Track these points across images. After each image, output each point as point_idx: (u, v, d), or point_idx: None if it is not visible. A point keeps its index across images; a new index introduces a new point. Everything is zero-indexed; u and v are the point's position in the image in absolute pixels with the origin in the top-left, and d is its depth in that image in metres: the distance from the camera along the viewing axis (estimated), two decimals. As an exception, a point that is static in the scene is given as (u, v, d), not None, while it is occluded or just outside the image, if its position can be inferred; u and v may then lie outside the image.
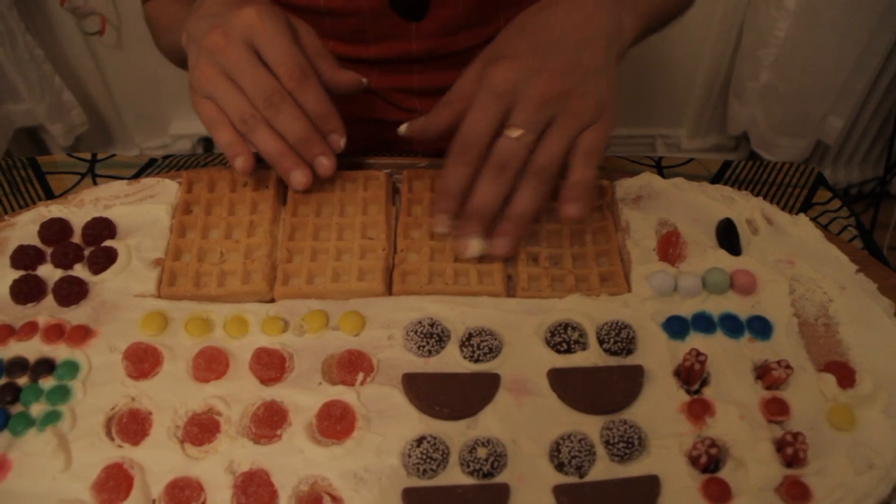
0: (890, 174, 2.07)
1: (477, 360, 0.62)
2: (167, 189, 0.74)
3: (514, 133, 0.63)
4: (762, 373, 0.61)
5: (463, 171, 0.64)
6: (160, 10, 0.93)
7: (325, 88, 0.70)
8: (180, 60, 0.87)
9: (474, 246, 0.66)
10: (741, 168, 0.87)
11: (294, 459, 0.57)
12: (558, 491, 0.55)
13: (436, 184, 0.68)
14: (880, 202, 2.06)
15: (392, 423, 0.58)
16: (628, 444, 0.56)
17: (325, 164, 0.69)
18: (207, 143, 2.18)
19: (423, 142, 0.69)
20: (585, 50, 0.65)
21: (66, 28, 1.86)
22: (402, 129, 0.70)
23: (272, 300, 0.67)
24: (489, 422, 0.58)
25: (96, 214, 0.71)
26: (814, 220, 0.75)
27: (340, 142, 0.70)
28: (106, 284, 0.67)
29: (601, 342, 0.63)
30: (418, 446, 0.56)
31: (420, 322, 0.63)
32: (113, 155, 0.86)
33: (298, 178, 0.68)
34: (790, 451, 0.56)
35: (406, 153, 0.81)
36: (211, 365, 0.61)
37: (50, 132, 1.94)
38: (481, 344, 0.62)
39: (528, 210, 0.65)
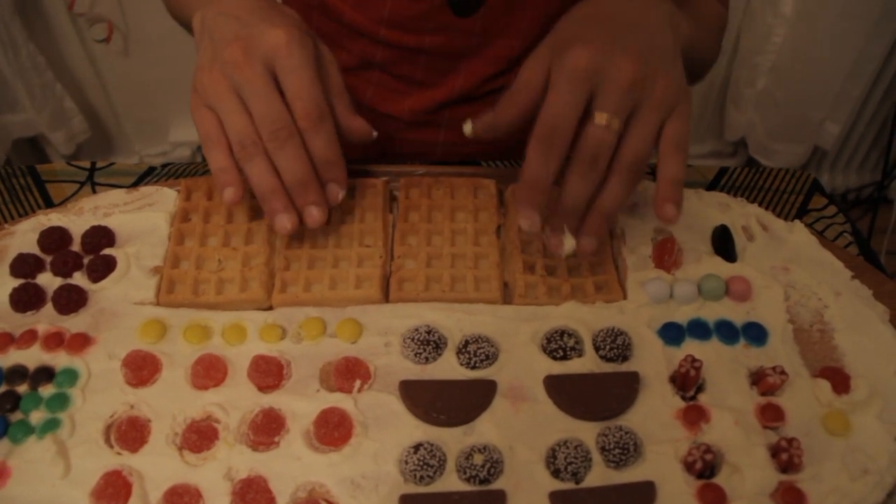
0: (887, 179, 2.08)
1: (474, 367, 0.62)
2: (166, 197, 0.74)
3: (603, 119, 0.60)
4: (757, 379, 0.61)
5: (549, 163, 0.61)
6: None
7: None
8: (180, 20, 0.85)
9: (569, 244, 0.63)
10: (737, 174, 0.87)
11: (292, 466, 0.57)
12: (554, 497, 0.55)
13: (520, 173, 0.63)
14: (878, 207, 2.07)
15: (389, 430, 0.59)
16: (624, 451, 0.56)
17: (316, 215, 0.65)
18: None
19: (491, 140, 0.66)
20: (658, 34, 0.63)
21: (67, 36, 1.87)
22: (466, 128, 0.66)
23: (270, 308, 0.67)
24: (486, 428, 0.59)
25: (95, 223, 0.71)
26: (809, 226, 0.75)
27: (339, 194, 0.67)
28: (105, 292, 0.67)
29: (597, 349, 0.63)
30: (415, 453, 0.56)
31: (417, 329, 0.63)
32: (112, 163, 0.87)
33: (283, 222, 0.64)
34: (785, 456, 0.56)
35: (404, 160, 0.81)
36: (209, 372, 0.62)
37: (51, 141, 1.95)
38: (478, 351, 0.62)
39: (617, 205, 0.63)
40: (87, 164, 0.86)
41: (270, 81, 0.63)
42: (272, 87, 0.63)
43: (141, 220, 0.72)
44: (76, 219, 0.73)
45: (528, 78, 0.63)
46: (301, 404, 0.60)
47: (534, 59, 0.64)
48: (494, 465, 0.56)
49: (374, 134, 0.70)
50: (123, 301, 0.67)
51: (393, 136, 0.98)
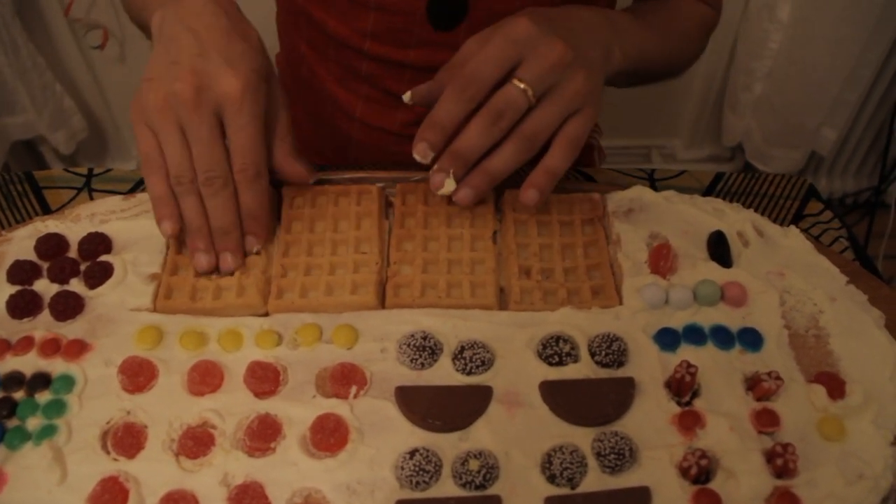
0: (884, 184, 2.08)
1: (469, 373, 0.62)
2: (162, 204, 0.74)
3: (521, 84, 0.63)
4: (752, 384, 0.62)
5: (458, 107, 0.64)
6: None
7: (274, 173, 0.70)
8: (138, 22, 0.84)
9: (449, 185, 0.66)
10: (733, 180, 0.88)
11: (288, 472, 0.57)
12: (550, 502, 0.55)
13: (429, 113, 0.67)
14: (875, 212, 2.07)
15: (385, 436, 0.59)
16: (619, 456, 0.57)
17: (230, 262, 0.68)
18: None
19: (428, 108, 0.68)
20: (589, 47, 0.67)
21: (66, 40, 1.88)
22: (406, 97, 0.70)
23: (266, 314, 0.67)
24: (481, 434, 0.59)
25: (92, 229, 0.72)
26: (805, 231, 0.76)
27: (255, 247, 0.69)
28: (102, 299, 0.67)
29: (593, 355, 0.63)
30: (411, 459, 0.57)
31: (413, 335, 0.63)
32: (109, 170, 0.87)
33: (201, 261, 0.68)
34: (780, 462, 0.56)
35: (403, 167, 0.81)
36: (205, 378, 0.62)
37: (50, 142, 1.95)
38: (474, 357, 0.62)
39: (505, 169, 0.66)
40: (84, 171, 0.87)
41: (215, 128, 0.64)
42: (216, 135, 0.65)
43: (138, 227, 0.72)
44: (73, 225, 0.73)
45: (467, 50, 0.67)
46: (297, 410, 0.60)
47: (477, 35, 0.67)
48: (490, 471, 0.56)
49: (312, 180, 0.73)
50: (120, 307, 0.67)
51: (386, 148, 0.98)
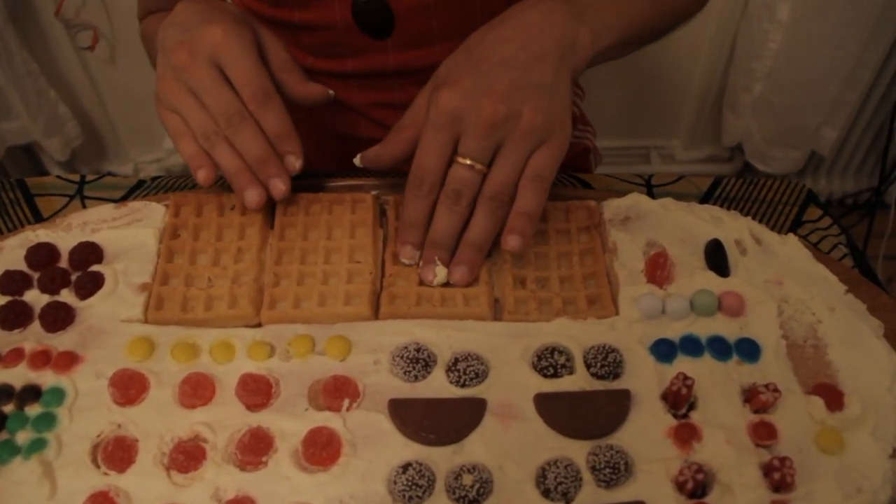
0: (884, 184, 2.08)
1: (463, 385, 0.61)
2: (154, 212, 0.74)
3: (466, 161, 0.64)
4: (750, 396, 0.61)
5: (421, 204, 0.67)
6: (155, 27, 0.89)
7: (294, 101, 0.72)
8: None
9: (440, 275, 0.67)
10: (731, 186, 0.87)
11: (280, 486, 0.56)
12: (544, 518, 0.55)
13: (399, 215, 0.70)
14: (875, 212, 2.06)
15: (378, 450, 0.58)
16: (614, 470, 0.56)
17: (280, 186, 0.69)
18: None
19: (379, 170, 0.71)
20: (532, 68, 0.65)
21: (61, 43, 1.87)
22: (357, 160, 0.71)
23: (258, 325, 0.67)
24: (475, 447, 0.58)
25: (83, 239, 0.71)
26: (804, 238, 0.75)
27: (296, 164, 0.70)
28: (93, 310, 0.67)
29: (588, 366, 0.63)
30: (404, 473, 0.56)
31: (406, 347, 0.63)
32: (102, 176, 0.86)
33: (252, 196, 0.69)
34: (777, 475, 0.55)
35: (394, 174, 0.81)
36: (197, 391, 0.61)
37: (45, 149, 1.94)
38: (467, 369, 0.61)
39: (484, 236, 0.67)
40: (76, 178, 0.86)
41: (217, 75, 0.67)
42: (219, 80, 0.68)
43: (129, 236, 0.72)
44: (64, 234, 0.72)
45: (410, 115, 0.69)
46: (289, 423, 0.59)
47: (420, 96, 0.69)
48: (484, 485, 0.55)
49: (331, 93, 0.74)
50: (111, 318, 0.66)
51: None
